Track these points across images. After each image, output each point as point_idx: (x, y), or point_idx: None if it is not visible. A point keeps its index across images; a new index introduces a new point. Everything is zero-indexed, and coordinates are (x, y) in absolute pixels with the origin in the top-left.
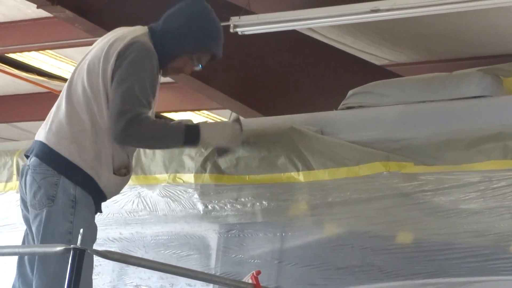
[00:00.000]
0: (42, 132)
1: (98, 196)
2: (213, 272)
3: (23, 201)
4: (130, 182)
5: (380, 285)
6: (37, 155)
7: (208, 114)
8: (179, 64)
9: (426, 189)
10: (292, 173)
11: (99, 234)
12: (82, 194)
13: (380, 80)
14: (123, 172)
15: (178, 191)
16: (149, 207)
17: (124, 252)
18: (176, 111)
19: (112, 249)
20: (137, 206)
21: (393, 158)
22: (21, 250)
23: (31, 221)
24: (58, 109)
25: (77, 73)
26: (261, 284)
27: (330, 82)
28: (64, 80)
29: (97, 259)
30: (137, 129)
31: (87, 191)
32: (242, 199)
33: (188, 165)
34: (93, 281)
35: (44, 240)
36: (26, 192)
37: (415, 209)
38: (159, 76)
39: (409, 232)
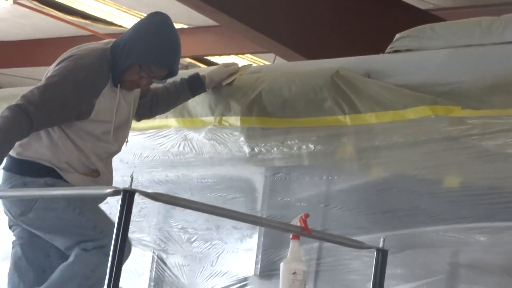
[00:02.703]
0: None
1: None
2: (259, 215)
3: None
4: (176, 124)
5: (426, 229)
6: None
7: (252, 58)
8: (131, 76)
9: (473, 133)
10: (339, 117)
11: (145, 176)
12: (54, 181)
13: (427, 24)
14: (95, 175)
15: (224, 134)
16: (195, 150)
17: (170, 194)
18: (220, 54)
19: (158, 191)
20: (184, 148)
21: (440, 102)
22: (71, 192)
23: (29, 227)
24: None
25: None
26: (309, 227)
27: (376, 26)
28: (108, 22)
29: (143, 202)
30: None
31: (57, 178)
32: (289, 142)
33: (234, 107)
34: (139, 223)
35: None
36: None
37: (462, 153)
38: (105, 89)
39: (456, 176)
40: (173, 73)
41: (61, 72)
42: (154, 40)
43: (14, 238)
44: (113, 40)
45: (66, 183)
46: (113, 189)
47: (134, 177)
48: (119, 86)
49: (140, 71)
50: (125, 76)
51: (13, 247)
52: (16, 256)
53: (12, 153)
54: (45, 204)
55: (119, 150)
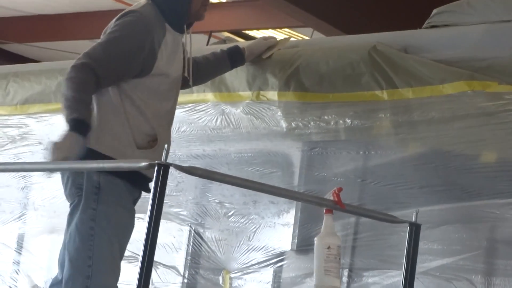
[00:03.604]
0: None
1: (133, 177)
2: (296, 190)
3: None
4: (213, 99)
5: (463, 204)
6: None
7: (289, 32)
8: (196, 7)
9: (510, 109)
10: (376, 92)
11: (182, 151)
12: (107, 179)
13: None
14: (152, 144)
15: (261, 109)
16: (233, 124)
17: (208, 168)
18: (258, 28)
19: (196, 166)
20: (221, 123)
21: (477, 77)
22: (101, 165)
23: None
24: None
25: None
26: (344, 201)
27: (414, 0)
28: None
29: (180, 176)
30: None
31: (115, 175)
32: (326, 117)
33: (272, 82)
34: (176, 197)
35: (69, 229)
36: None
37: (499, 129)
38: (163, 42)
39: (493, 152)
40: None
41: (120, 27)
42: None
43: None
44: None
45: (126, 179)
46: (148, 163)
47: (171, 151)
48: (185, 28)
49: None
50: (192, 9)
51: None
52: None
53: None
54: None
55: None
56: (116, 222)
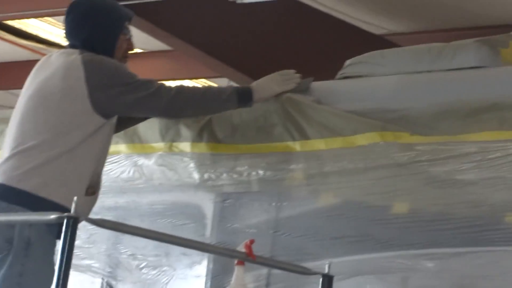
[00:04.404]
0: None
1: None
2: (208, 241)
3: None
4: (126, 150)
5: (375, 255)
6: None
7: (205, 82)
8: (123, 45)
9: (422, 160)
10: (288, 143)
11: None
12: (38, 235)
13: (377, 50)
14: (90, 191)
15: (174, 160)
16: (145, 176)
17: (120, 220)
18: (174, 79)
19: (108, 218)
20: (133, 174)
21: (389, 128)
22: (11, 218)
23: None
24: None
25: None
26: (256, 253)
27: (327, 51)
28: (62, 47)
29: (92, 228)
30: (178, 96)
31: (46, 230)
32: (238, 168)
33: (185, 133)
34: (88, 249)
35: None
36: None
37: (411, 179)
38: None
39: (405, 203)
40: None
41: (128, 72)
42: (103, 2)
43: None
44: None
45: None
46: (57, 215)
47: None
48: None
49: (125, 33)
50: (117, 52)
51: None
52: None
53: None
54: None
55: None
56: (43, 279)
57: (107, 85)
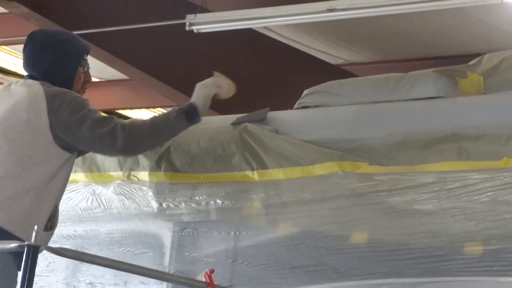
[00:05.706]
0: None
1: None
2: (167, 270)
3: None
4: (84, 179)
5: (334, 285)
6: None
7: (161, 111)
8: (80, 78)
9: (381, 189)
10: (247, 172)
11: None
12: (4, 264)
13: (335, 80)
14: (48, 225)
15: (132, 189)
16: (104, 205)
17: (78, 249)
18: (131, 108)
19: (66, 246)
20: (92, 203)
21: (348, 158)
22: None
23: None
24: None
25: None
26: (215, 283)
27: (285, 81)
28: (20, 75)
29: (51, 256)
30: (132, 134)
31: (11, 259)
32: (197, 198)
33: (143, 162)
34: (47, 278)
35: None
36: None
37: (370, 209)
38: None
39: (364, 232)
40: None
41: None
42: (62, 35)
43: None
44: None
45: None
46: (17, 244)
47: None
48: None
49: (84, 65)
50: (73, 90)
51: None
52: None
53: None
54: None
55: None
56: None
57: (68, 119)
